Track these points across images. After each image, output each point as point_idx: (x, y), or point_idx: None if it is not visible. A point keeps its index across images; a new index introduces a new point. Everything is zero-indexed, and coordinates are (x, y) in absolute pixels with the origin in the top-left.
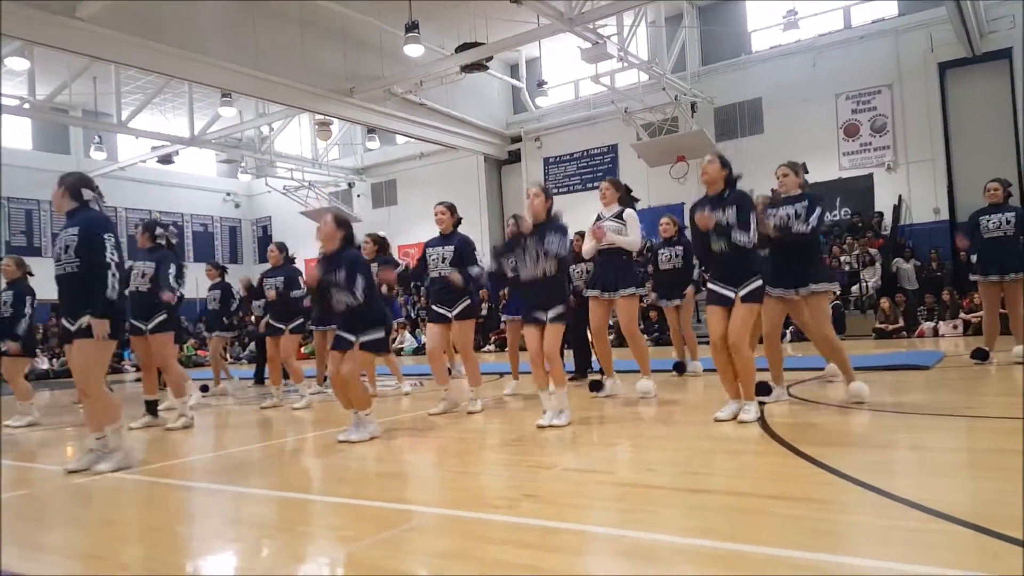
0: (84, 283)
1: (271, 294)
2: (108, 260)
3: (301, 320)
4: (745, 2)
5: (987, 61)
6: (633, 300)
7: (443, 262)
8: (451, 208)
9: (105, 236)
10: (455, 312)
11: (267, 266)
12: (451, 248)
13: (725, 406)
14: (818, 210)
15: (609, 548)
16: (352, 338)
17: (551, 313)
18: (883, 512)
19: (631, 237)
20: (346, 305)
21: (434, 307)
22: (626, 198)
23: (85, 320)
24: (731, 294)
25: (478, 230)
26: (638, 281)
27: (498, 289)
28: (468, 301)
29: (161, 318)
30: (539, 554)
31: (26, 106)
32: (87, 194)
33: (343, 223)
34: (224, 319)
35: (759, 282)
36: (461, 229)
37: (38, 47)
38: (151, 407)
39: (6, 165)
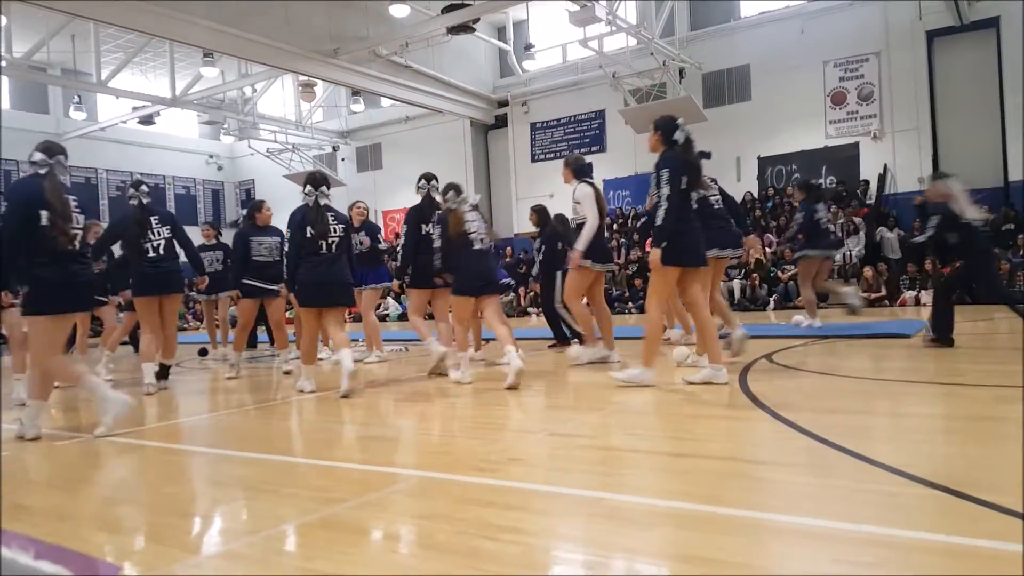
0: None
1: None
2: None
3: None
4: None
5: (974, 30)
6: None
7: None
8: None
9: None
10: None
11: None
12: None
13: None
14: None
15: (590, 510)
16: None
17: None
18: (861, 476)
19: (586, 227)
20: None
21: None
22: (580, 170)
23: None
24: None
25: None
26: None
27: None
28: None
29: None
30: (522, 515)
31: (2, 64)
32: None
33: None
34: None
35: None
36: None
37: (14, 3)
38: (165, 371)
39: None
